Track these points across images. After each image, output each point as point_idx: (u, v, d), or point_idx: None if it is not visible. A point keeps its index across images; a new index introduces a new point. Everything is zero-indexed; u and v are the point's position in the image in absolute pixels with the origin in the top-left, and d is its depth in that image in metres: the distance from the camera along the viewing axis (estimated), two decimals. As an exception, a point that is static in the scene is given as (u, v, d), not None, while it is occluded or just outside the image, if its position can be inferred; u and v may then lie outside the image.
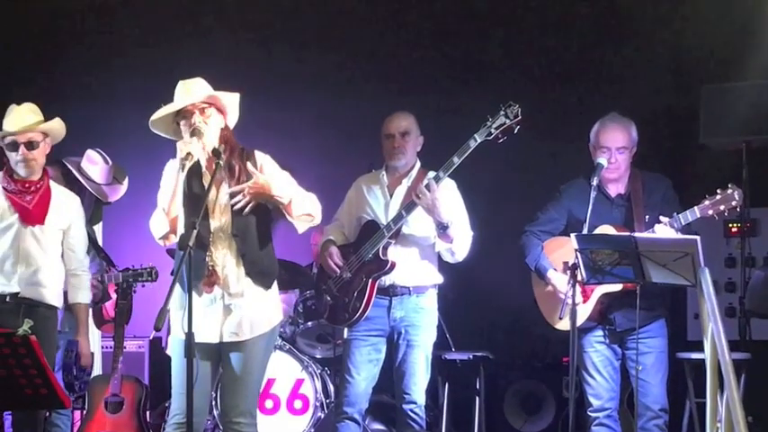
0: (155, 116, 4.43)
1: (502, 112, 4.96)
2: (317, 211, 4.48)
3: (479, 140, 4.95)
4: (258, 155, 4.47)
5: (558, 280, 5.08)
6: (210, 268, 4.34)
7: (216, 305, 4.36)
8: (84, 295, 5.19)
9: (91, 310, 5.93)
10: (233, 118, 4.49)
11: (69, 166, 5.82)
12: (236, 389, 4.39)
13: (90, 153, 5.94)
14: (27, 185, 5.02)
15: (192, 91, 4.40)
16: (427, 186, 4.94)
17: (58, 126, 5.09)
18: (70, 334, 5.34)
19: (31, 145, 4.98)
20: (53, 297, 5.03)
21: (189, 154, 4.25)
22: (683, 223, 4.87)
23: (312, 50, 7.41)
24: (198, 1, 7.55)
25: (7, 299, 4.93)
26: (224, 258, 4.36)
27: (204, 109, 4.37)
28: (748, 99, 6.34)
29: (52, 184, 5.15)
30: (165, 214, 4.37)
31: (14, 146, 4.98)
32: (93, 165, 5.91)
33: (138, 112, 7.30)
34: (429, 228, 5.12)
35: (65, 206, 5.10)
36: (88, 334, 5.21)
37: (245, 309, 4.37)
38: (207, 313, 4.34)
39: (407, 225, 5.12)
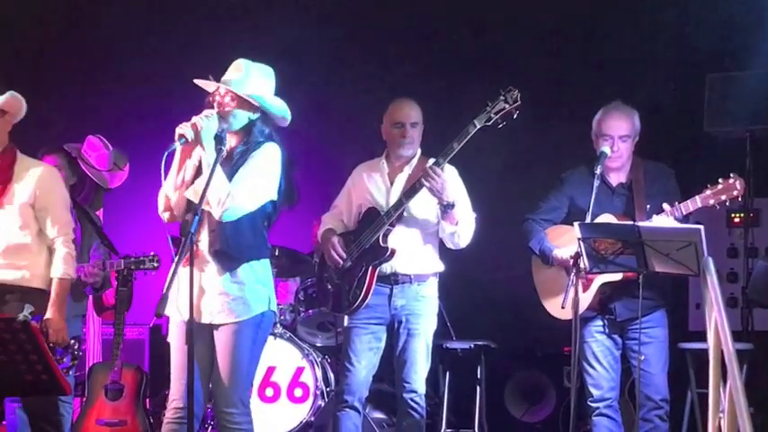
0: (198, 81, 4.42)
1: (501, 97, 4.93)
2: None
3: (479, 126, 4.93)
4: (270, 144, 4.42)
5: (566, 254, 5.05)
6: (195, 244, 4.30)
7: (194, 282, 4.29)
8: (58, 269, 4.84)
9: (91, 297, 5.94)
10: (273, 116, 4.43)
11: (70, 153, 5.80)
12: (223, 377, 4.34)
13: (91, 139, 5.93)
14: None
15: (230, 75, 4.36)
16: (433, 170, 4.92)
17: (12, 101, 4.87)
18: (76, 320, 5.30)
19: None
20: (27, 278, 4.85)
21: (182, 136, 4.22)
22: (684, 212, 4.86)
23: (310, 36, 7.37)
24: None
25: None
26: (203, 234, 4.34)
27: (233, 98, 4.34)
28: (753, 88, 6.31)
29: (21, 157, 4.93)
30: (165, 195, 4.36)
31: None
32: (94, 151, 5.89)
33: (139, 97, 7.35)
34: (430, 214, 5.10)
35: (28, 179, 4.86)
36: (61, 309, 4.83)
37: (216, 291, 4.32)
38: (185, 290, 4.20)
39: (409, 212, 5.10)
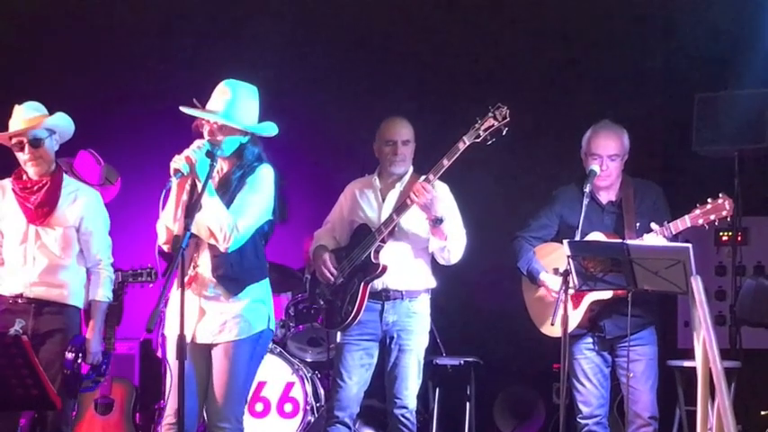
0: (185, 109, 4.39)
1: (490, 114, 4.96)
2: None
3: (468, 143, 4.96)
4: (264, 167, 4.42)
5: (551, 281, 5.09)
6: (193, 268, 4.33)
7: (193, 304, 4.33)
8: (97, 292, 5.07)
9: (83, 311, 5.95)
10: (262, 135, 4.44)
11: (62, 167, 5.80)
12: (218, 393, 4.34)
13: (83, 153, 5.94)
14: (31, 185, 4.98)
15: (217, 102, 4.34)
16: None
17: (62, 121, 5.01)
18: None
19: (36, 142, 4.93)
20: (65, 296, 4.99)
21: (177, 171, 4.19)
22: (674, 232, 4.88)
23: (303, 53, 7.41)
24: (191, 3, 7.54)
25: (19, 300, 4.95)
26: (203, 259, 4.36)
27: (221, 126, 4.32)
28: (741, 108, 6.35)
29: (67, 179, 5.08)
30: (165, 226, 4.36)
31: (20, 145, 4.95)
32: (86, 165, 5.91)
33: (131, 113, 7.36)
34: (422, 230, 5.12)
35: (76, 202, 5.02)
36: (100, 331, 5.08)
37: (218, 311, 4.33)
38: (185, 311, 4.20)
39: (401, 228, 5.12)
